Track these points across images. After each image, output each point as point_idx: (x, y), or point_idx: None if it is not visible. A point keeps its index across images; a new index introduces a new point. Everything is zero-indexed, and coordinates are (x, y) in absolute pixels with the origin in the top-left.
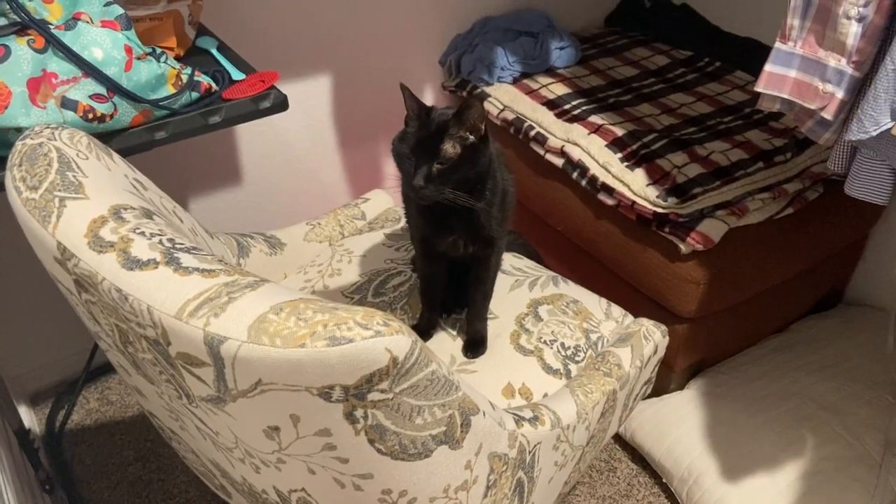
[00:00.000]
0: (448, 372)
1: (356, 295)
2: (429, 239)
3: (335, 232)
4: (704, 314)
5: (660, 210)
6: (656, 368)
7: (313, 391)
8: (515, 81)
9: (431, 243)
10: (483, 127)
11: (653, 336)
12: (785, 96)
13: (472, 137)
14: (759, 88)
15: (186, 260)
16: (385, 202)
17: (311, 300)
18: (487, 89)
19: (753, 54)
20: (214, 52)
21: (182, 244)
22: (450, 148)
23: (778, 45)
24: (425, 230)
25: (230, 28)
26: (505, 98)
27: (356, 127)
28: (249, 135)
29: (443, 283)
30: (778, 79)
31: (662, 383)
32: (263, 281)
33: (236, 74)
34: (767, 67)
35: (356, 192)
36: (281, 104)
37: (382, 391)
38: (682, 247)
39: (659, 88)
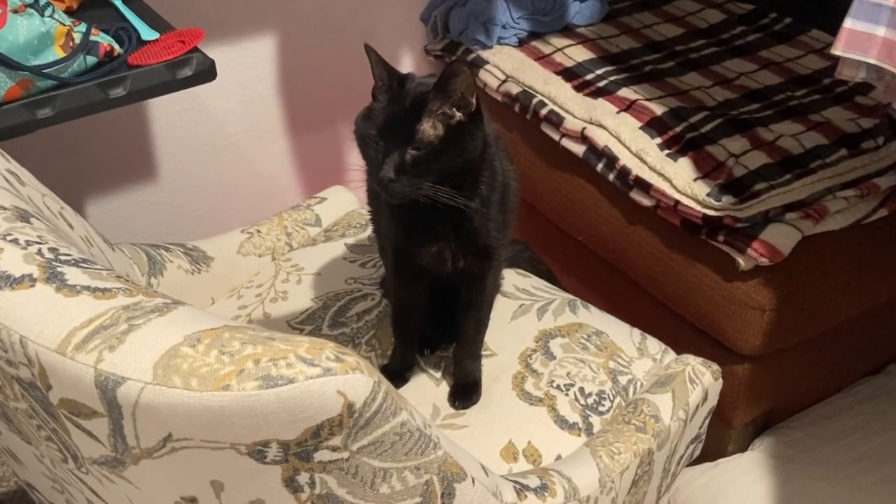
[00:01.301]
0: (424, 425)
1: (307, 326)
2: (405, 250)
3: (280, 242)
4: (772, 351)
5: (711, 212)
6: (707, 422)
7: (241, 449)
8: (521, 44)
9: (408, 256)
10: (474, 101)
11: (701, 378)
12: (871, 61)
13: (458, 114)
14: (837, 51)
15: (74, 276)
16: (347, 203)
17: (240, 328)
18: (484, 54)
19: (834, 7)
20: (118, 3)
21: (68, 255)
22: (429, 128)
23: None
24: (400, 238)
25: None
26: (508, 65)
27: (311, 104)
28: (167, 114)
29: (422, 310)
30: (862, 38)
31: (718, 443)
32: (177, 303)
33: (147, 33)
34: (848, 24)
35: (309, 190)
36: (206, 72)
37: (334, 449)
38: (742, 261)
39: (711, 53)
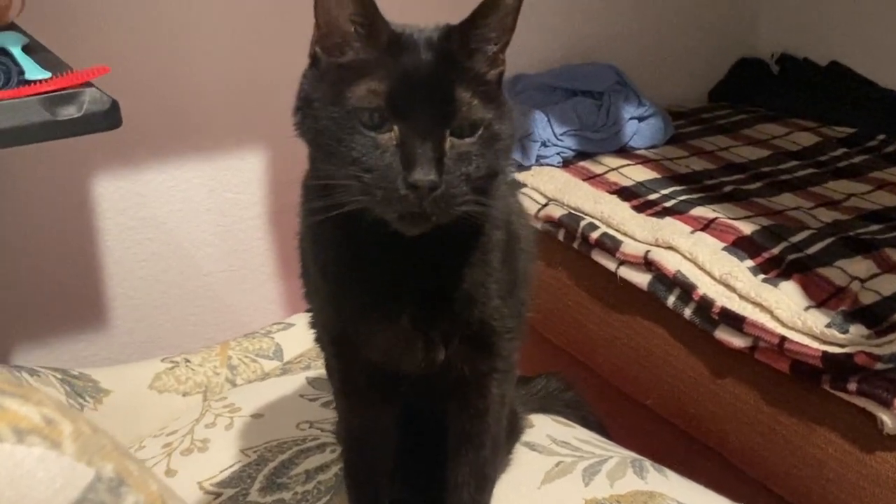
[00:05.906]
0: None
1: (228, 488)
2: (349, 333)
3: (218, 377)
4: None
5: (836, 349)
6: None
7: None
8: (566, 164)
9: (356, 346)
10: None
11: None
12: None
13: (492, 75)
14: None
15: None
16: None
17: None
18: (520, 176)
19: None
20: (15, 51)
21: None
22: (472, 99)
23: None
24: (342, 311)
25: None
26: (549, 188)
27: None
28: (124, 245)
29: (390, 455)
30: None
31: None
32: None
33: (35, 73)
34: None
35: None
36: (103, 115)
37: None
38: (887, 418)
39: (807, 174)
